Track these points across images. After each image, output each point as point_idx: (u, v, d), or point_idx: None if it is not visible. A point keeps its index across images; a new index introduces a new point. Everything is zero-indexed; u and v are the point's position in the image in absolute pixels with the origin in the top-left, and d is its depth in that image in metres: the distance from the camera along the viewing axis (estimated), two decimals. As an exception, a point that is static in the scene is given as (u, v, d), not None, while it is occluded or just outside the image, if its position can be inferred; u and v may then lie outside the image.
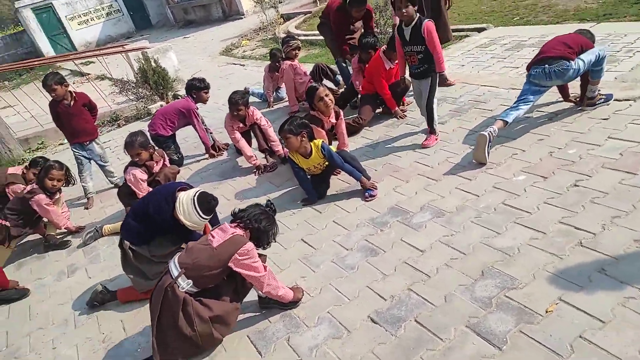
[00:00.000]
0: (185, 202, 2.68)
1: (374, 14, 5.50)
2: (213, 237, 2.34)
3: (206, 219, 2.74)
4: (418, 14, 3.61)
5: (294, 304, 2.55)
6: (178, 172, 4.27)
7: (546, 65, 3.51)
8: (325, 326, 2.39)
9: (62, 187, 3.96)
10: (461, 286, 2.39)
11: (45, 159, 4.26)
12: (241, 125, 4.37)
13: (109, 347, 2.65)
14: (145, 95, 7.94)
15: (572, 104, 3.92)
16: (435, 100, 3.81)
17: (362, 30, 5.35)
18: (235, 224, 2.41)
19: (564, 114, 3.80)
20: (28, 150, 7.52)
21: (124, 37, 22.67)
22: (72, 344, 2.76)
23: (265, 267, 2.40)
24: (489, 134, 3.43)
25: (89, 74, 12.39)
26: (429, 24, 3.53)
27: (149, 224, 2.80)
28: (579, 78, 3.67)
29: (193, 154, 5.34)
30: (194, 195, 2.69)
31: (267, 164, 4.38)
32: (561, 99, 3.99)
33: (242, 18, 17.07)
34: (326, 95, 3.66)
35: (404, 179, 3.56)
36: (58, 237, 4.01)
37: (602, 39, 5.03)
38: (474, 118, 4.21)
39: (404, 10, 3.52)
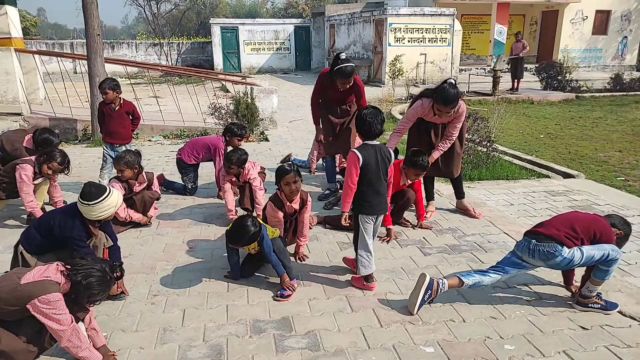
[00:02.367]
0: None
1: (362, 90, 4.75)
2: (30, 272, 2.33)
3: (87, 203, 2.85)
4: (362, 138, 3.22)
5: (99, 371, 2.40)
6: (157, 199, 4.45)
7: (533, 241, 2.93)
8: (97, 407, 2.20)
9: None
10: None
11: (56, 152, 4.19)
12: (234, 179, 4.41)
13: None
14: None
15: (570, 293, 3.19)
16: (363, 242, 3.19)
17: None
18: (63, 269, 2.36)
19: (546, 302, 3.10)
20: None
21: (282, 71, 24.96)
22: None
23: (71, 321, 2.30)
24: (433, 281, 2.96)
25: (228, 92, 13.77)
26: (350, 155, 3.13)
27: (50, 239, 2.93)
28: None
29: (206, 183, 5.53)
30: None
31: (242, 223, 4.31)
32: (562, 282, 3.28)
33: (380, 86, 17.57)
34: (294, 182, 3.50)
35: (328, 295, 3.20)
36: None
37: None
38: (458, 263, 3.66)
39: None
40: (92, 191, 2.90)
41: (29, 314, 2.25)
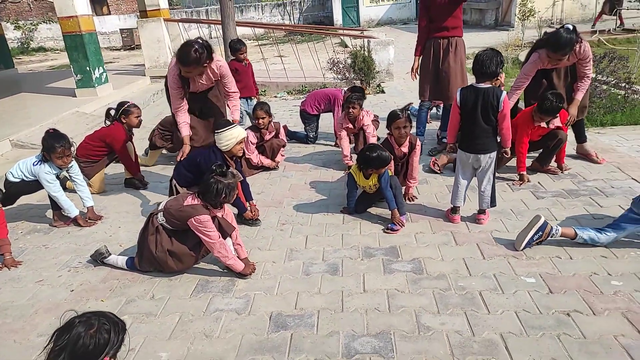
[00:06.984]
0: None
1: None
2: (189, 196, 2.94)
3: (216, 132, 3.49)
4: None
5: (242, 275, 3.01)
6: (284, 146, 4.99)
7: None
8: (240, 302, 2.78)
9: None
10: (347, 334, 2.44)
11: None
12: (350, 126, 4.76)
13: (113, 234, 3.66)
14: (348, 78, 8.83)
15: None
16: (456, 174, 3.56)
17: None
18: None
19: (669, 245, 2.97)
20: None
21: (402, 21, 24.33)
22: (109, 224, 3.86)
23: (219, 237, 2.89)
24: (547, 224, 3.03)
25: (347, 47, 14.07)
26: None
27: (195, 173, 3.58)
28: None
29: (324, 133, 6.00)
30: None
31: (357, 168, 4.68)
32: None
33: (508, 30, 16.28)
34: (404, 127, 3.74)
35: (434, 230, 3.46)
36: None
37: None
38: (573, 206, 3.61)
39: None
40: (222, 123, 3.59)
41: (190, 228, 2.91)
